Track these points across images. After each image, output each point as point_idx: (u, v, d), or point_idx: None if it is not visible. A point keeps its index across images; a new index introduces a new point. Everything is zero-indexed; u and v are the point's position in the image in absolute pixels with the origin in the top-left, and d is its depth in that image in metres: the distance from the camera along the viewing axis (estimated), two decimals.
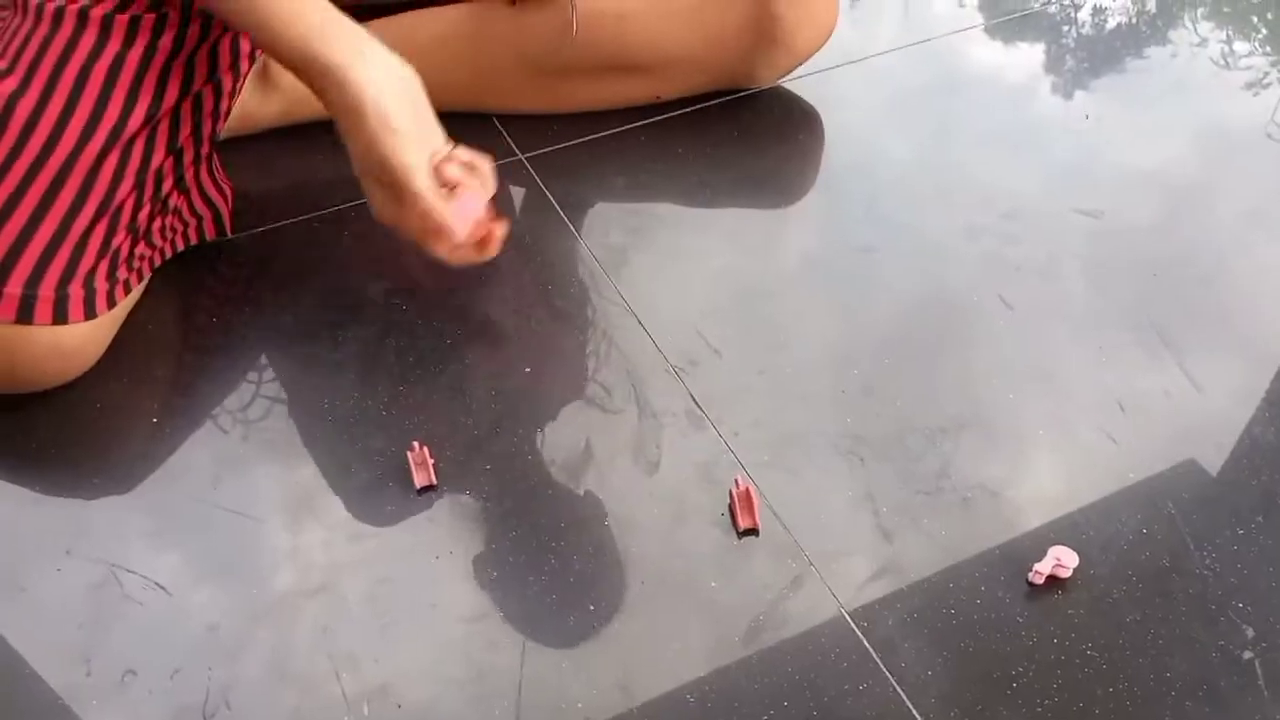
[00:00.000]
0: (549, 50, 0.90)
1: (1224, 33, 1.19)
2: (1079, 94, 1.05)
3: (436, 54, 0.92)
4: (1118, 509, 0.68)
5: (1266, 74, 1.11)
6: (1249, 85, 1.09)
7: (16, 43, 0.73)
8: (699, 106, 0.97)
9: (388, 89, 0.68)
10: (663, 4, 0.89)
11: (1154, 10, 1.23)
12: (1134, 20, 1.22)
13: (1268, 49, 1.16)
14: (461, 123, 0.95)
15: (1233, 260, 0.86)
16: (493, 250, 0.74)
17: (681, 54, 0.91)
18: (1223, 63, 1.14)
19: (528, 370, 0.76)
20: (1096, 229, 0.88)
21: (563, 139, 0.94)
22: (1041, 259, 0.85)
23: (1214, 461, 0.71)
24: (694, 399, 0.74)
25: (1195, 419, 0.74)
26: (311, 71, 0.68)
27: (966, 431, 0.73)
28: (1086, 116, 0.99)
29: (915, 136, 0.98)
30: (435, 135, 0.71)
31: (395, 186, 0.69)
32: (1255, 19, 1.25)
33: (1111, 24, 1.18)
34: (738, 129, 0.96)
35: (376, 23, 0.92)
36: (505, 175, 0.91)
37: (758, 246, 0.86)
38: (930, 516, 0.68)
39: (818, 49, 0.94)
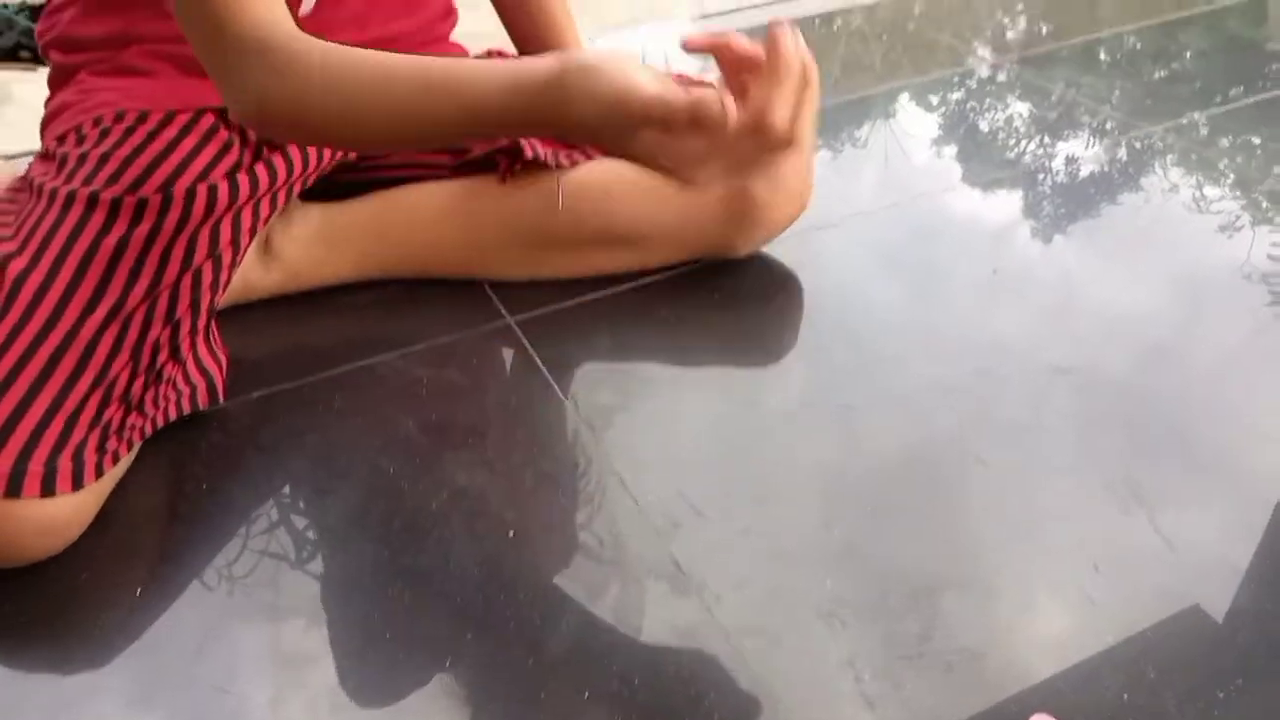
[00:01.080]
0: (537, 224, 0.95)
1: (1194, 178, 1.24)
2: (1056, 242, 1.09)
3: (432, 227, 0.96)
4: (1099, 673, 0.68)
5: (1238, 217, 1.15)
6: (1222, 229, 1.13)
7: (29, 224, 0.77)
8: (682, 270, 1.01)
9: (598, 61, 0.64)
10: (644, 183, 0.94)
11: (1125, 158, 1.28)
12: (1106, 169, 1.27)
13: (1238, 193, 1.21)
14: (452, 287, 1.00)
15: (1208, 413, 0.88)
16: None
17: (663, 229, 0.96)
18: (1195, 207, 1.18)
19: (512, 534, 0.77)
20: (1072, 383, 0.90)
21: (550, 302, 0.97)
22: (1018, 415, 0.87)
23: (1192, 623, 0.71)
24: (677, 563, 0.75)
25: (1172, 579, 0.74)
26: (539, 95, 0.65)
27: (947, 592, 0.73)
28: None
29: (891, 296, 1.01)
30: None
31: (659, 114, 0.62)
32: (1223, 164, 1.31)
33: (1085, 173, 1.24)
34: (719, 292, 0.99)
35: (376, 195, 0.97)
36: (493, 339, 0.95)
37: (739, 407, 0.88)
38: (913, 683, 0.67)
39: (791, 223, 0.99)
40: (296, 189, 0.90)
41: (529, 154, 0.92)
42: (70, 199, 0.77)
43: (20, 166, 1.09)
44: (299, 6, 0.88)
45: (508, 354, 0.93)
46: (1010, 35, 1.77)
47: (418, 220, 0.96)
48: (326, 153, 0.92)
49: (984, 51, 1.67)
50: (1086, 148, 1.31)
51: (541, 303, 0.97)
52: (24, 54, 2.76)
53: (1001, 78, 1.55)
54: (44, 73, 1.03)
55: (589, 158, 0.96)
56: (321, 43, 0.69)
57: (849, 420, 0.87)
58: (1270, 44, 1.70)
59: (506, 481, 0.81)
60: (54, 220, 0.76)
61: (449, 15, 1.02)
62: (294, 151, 0.89)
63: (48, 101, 0.92)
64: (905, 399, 0.89)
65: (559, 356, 0.92)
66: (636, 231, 0.96)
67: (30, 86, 2.37)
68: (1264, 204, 1.20)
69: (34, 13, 2.99)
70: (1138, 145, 1.32)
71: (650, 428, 0.86)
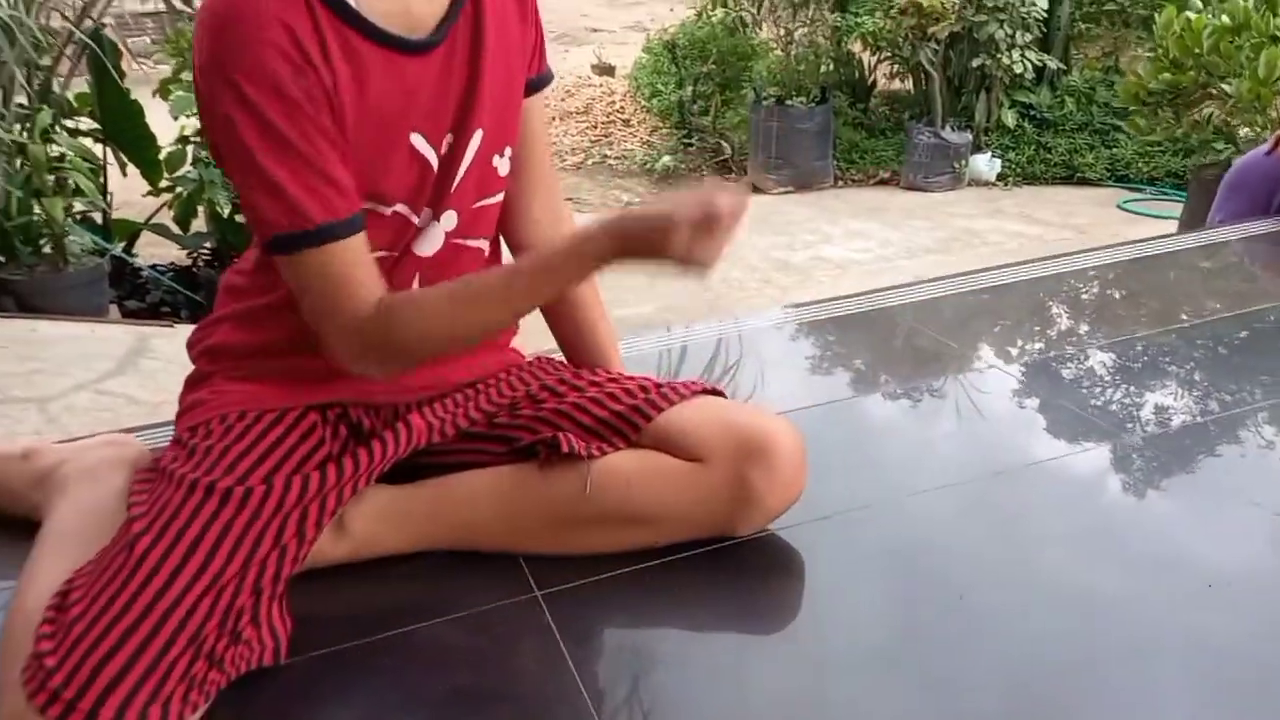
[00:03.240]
0: (568, 507, 1.10)
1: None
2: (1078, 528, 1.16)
3: (477, 508, 1.12)
4: None
5: None
6: None
7: (158, 505, 0.95)
8: (695, 553, 1.13)
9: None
10: (660, 471, 1.09)
11: (1215, 409, 1.36)
12: (1198, 418, 1.33)
13: None
14: (488, 559, 1.13)
15: None
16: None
17: (675, 510, 1.10)
18: None
19: None
20: (1086, 694, 0.95)
21: (575, 577, 1.10)
22: None
23: None
24: None
25: None
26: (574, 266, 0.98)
27: None
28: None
29: (893, 591, 1.10)
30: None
31: (665, 227, 0.91)
32: None
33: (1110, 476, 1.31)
34: (729, 574, 1.11)
35: (435, 483, 1.13)
36: (521, 610, 1.06)
37: (738, 696, 0.97)
38: None
39: (786, 509, 1.12)
40: (376, 473, 1.08)
41: (565, 448, 1.08)
42: (193, 486, 0.96)
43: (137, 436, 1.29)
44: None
45: (532, 626, 1.05)
46: (1055, 331, 1.90)
47: (467, 506, 1.12)
48: (404, 443, 1.09)
49: (1030, 346, 1.81)
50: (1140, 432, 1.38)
51: (567, 577, 1.10)
52: (164, 309, 3.14)
53: (1034, 376, 1.67)
54: (180, 329, 1.24)
55: (615, 448, 1.11)
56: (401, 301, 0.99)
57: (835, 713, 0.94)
58: None
59: None
60: (177, 503, 0.95)
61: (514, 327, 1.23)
62: (375, 444, 1.07)
63: (183, 397, 1.12)
64: (889, 696, 0.96)
65: (578, 630, 1.04)
66: (651, 513, 1.11)
67: (166, 341, 2.69)
68: None
69: (178, 274, 3.41)
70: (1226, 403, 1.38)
71: (654, 711, 0.95)
